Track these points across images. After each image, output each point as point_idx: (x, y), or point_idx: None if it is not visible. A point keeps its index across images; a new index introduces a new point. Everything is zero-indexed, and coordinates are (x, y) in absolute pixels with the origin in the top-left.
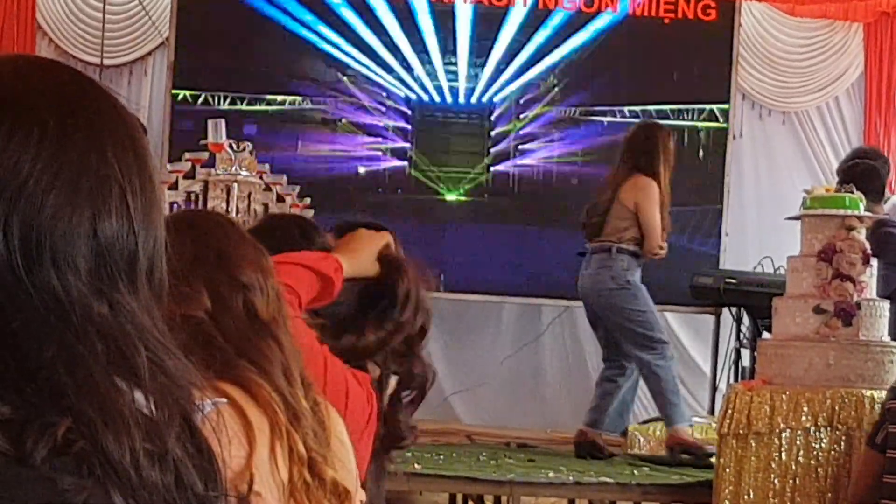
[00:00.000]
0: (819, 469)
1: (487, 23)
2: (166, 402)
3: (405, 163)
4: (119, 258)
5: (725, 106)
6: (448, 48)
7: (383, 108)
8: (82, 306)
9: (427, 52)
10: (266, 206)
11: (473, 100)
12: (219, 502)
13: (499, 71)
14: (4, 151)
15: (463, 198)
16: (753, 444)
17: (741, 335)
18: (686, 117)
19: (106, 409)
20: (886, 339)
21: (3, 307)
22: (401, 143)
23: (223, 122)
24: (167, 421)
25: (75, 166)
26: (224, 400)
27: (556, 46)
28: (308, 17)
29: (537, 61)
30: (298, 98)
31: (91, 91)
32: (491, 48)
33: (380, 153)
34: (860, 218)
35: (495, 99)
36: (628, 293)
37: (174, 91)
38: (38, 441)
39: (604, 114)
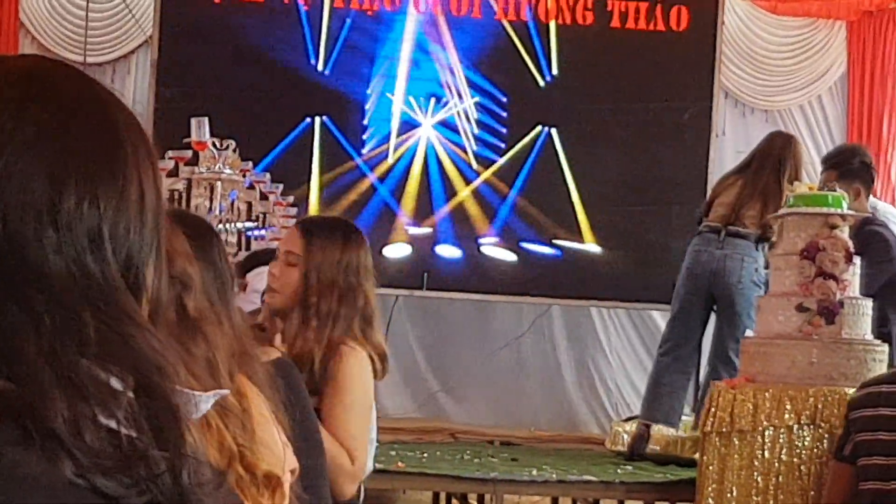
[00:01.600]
0: (802, 467)
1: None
2: (125, 371)
3: (392, 160)
4: (81, 231)
5: (709, 104)
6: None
7: (368, 105)
8: (35, 269)
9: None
10: (249, 204)
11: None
12: (180, 476)
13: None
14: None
15: (445, 195)
16: (736, 442)
17: None
18: (670, 115)
19: (41, 375)
20: (869, 337)
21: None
22: (389, 139)
23: (206, 120)
24: (120, 391)
25: (32, 132)
26: (226, 391)
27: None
28: (291, 14)
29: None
30: (284, 95)
31: (62, 70)
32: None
33: (364, 151)
34: (843, 216)
35: (469, 98)
36: (759, 292)
37: (158, 89)
38: None
39: (587, 112)
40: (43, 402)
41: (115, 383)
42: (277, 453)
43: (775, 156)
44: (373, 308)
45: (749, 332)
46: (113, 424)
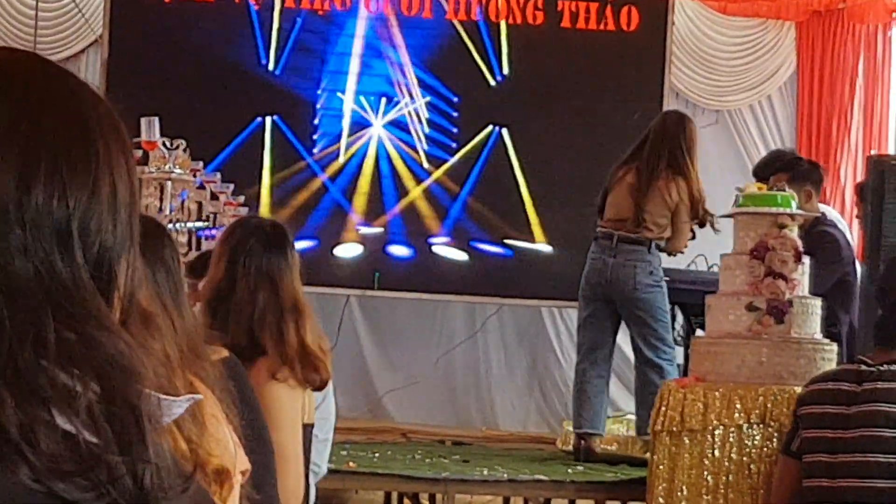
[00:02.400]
0: (752, 465)
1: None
2: (86, 375)
3: (343, 159)
4: (49, 229)
5: (658, 104)
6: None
7: (317, 105)
8: (3, 267)
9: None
10: (200, 203)
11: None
12: (142, 481)
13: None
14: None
15: (397, 195)
16: (687, 442)
17: (674, 333)
18: (619, 116)
19: (14, 380)
20: (819, 336)
21: None
22: (340, 137)
23: (157, 119)
24: (80, 393)
25: (3, 128)
26: (200, 396)
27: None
28: (242, 15)
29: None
30: (233, 94)
31: (33, 62)
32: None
33: (315, 150)
34: (792, 216)
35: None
36: (660, 292)
37: (108, 88)
38: None
39: (537, 111)
40: None
41: (76, 387)
42: (229, 452)
43: (671, 136)
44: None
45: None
46: (71, 428)
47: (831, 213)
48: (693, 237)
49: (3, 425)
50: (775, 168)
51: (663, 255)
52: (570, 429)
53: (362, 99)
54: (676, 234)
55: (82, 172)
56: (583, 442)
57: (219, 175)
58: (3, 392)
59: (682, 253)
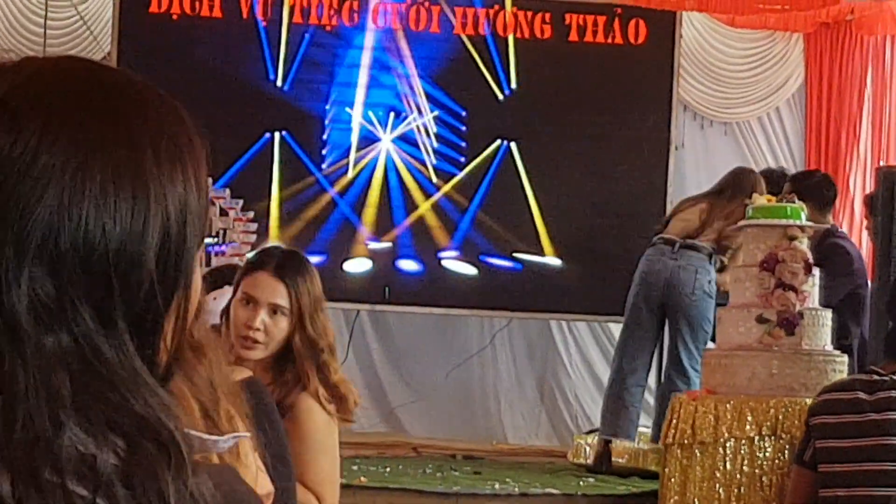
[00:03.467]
0: (763, 478)
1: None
2: (106, 439)
3: (351, 174)
4: (90, 297)
5: (667, 117)
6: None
7: (325, 121)
8: (31, 337)
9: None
10: (210, 220)
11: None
12: None
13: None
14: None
15: (406, 210)
16: (698, 454)
17: None
18: (628, 128)
19: (28, 450)
20: (829, 348)
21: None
22: (342, 155)
23: None
24: (99, 458)
25: (90, 155)
26: (246, 434)
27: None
28: (250, 30)
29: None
30: (241, 110)
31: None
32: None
33: (324, 165)
34: (802, 228)
35: (428, 112)
36: (712, 303)
37: None
38: None
39: (545, 125)
40: None
41: (95, 452)
42: (252, 476)
43: (748, 191)
44: (333, 336)
45: (710, 344)
46: (86, 494)
47: None
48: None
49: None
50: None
51: None
52: (581, 441)
53: (370, 113)
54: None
55: (136, 212)
56: (609, 446)
57: (228, 191)
58: (10, 462)
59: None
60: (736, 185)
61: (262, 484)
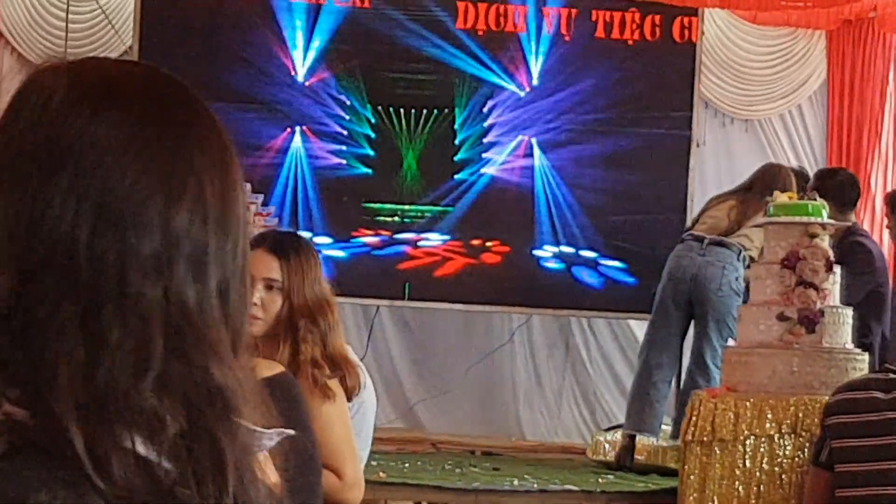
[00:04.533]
0: (783, 476)
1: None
2: (178, 405)
3: (369, 170)
4: (187, 252)
5: (688, 114)
6: (416, 54)
7: (347, 116)
8: (132, 287)
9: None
10: None
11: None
12: None
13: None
14: (89, 125)
15: (427, 206)
16: (718, 452)
17: None
18: (649, 125)
19: (101, 403)
20: (850, 346)
21: (45, 277)
22: (365, 150)
23: None
24: (169, 422)
25: (154, 150)
26: (291, 431)
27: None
28: (271, 25)
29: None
30: (262, 105)
31: (183, 92)
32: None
33: (344, 161)
34: (823, 225)
35: (459, 108)
36: (738, 300)
37: None
38: None
39: (568, 122)
40: (65, 430)
41: (166, 416)
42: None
43: (780, 186)
44: (337, 314)
45: (731, 341)
46: (152, 456)
47: None
48: None
49: (76, 451)
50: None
51: None
52: (601, 438)
53: (391, 109)
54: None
55: (224, 208)
56: (634, 442)
57: (248, 186)
58: (83, 414)
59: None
60: (765, 182)
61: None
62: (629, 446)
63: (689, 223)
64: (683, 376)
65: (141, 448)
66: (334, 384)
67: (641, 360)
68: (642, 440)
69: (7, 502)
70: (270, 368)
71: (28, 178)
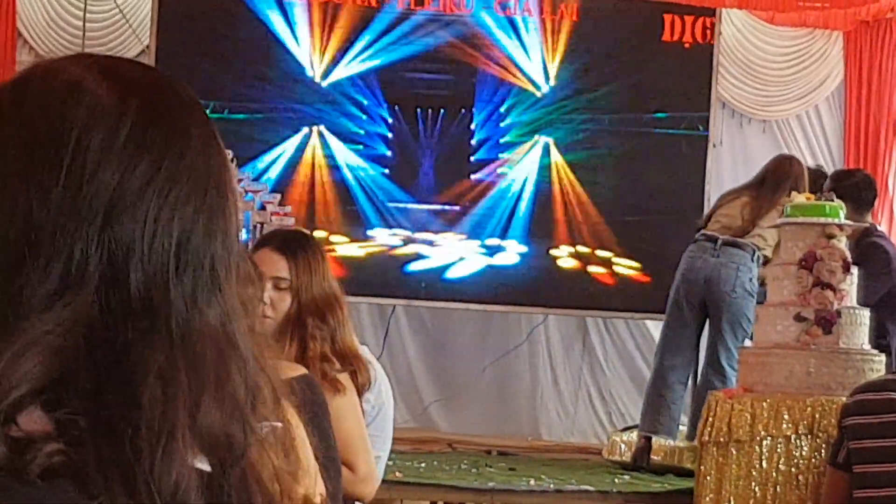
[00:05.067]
0: (800, 477)
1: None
2: (240, 428)
3: (386, 170)
4: (232, 265)
5: (706, 114)
6: (432, 54)
7: (364, 116)
8: (208, 320)
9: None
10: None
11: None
12: None
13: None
14: (165, 158)
15: (444, 206)
16: (734, 452)
17: None
18: (666, 125)
19: (176, 436)
20: (867, 347)
21: (133, 315)
22: (382, 151)
23: None
24: (234, 448)
25: (216, 174)
26: (279, 424)
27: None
28: (288, 25)
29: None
30: (279, 105)
31: (197, 104)
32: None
33: (360, 161)
34: (840, 226)
35: (476, 108)
36: (752, 301)
37: None
38: (35, 457)
39: (585, 122)
40: (160, 456)
41: (231, 427)
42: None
43: (793, 180)
44: (346, 311)
45: (748, 342)
46: (213, 470)
47: None
48: None
49: (157, 474)
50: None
51: None
52: (617, 439)
53: (407, 109)
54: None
55: (235, 207)
56: (650, 443)
57: (267, 185)
58: (157, 442)
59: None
60: (777, 176)
61: (320, 484)
62: (645, 447)
63: (701, 220)
64: (699, 377)
65: (201, 465)
66: (344, 378)
67: (656, 362)
68: (658, 441)
69: None
70: (293, 370)
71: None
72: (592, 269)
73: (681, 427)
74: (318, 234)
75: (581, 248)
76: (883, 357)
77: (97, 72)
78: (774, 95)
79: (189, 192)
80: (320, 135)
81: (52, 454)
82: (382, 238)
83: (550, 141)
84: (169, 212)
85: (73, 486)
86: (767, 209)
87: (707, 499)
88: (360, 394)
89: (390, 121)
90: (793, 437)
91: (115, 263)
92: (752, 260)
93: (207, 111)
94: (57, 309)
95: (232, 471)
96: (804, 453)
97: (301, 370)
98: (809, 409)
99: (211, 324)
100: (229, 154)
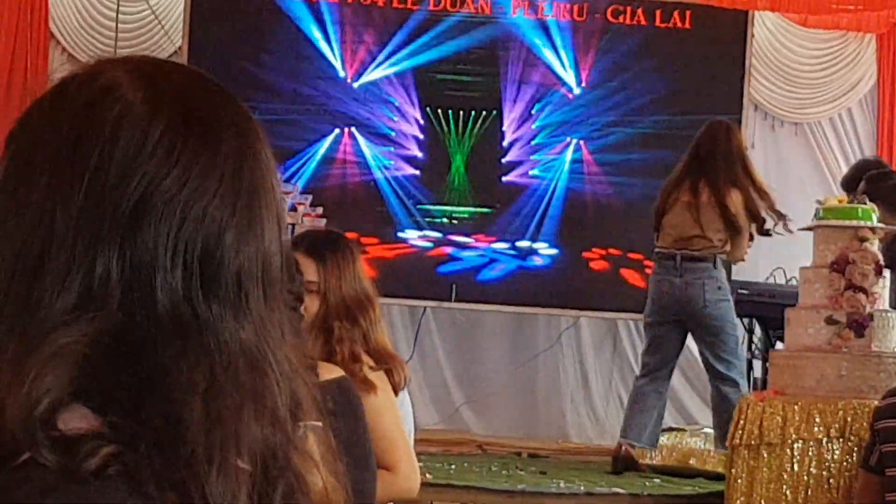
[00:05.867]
0: (831, 480)
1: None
2: (283, 440)
3: (417, 171)
4: (270, 276)
5: (738, 117)
6: (465, 56)
7: (396, 117)
8: (239, 336)
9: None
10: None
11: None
12: None
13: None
14: (191, 170)
15: (475, 208)
16: (765, 455)
17: (753, 346)
18: (698, 128)
19: (225, 450)
20: None
21: (163, 331)
22: (414, 152)
23: None
24: (282, 462)
25: (249, 186)
26: (318, 424)
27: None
28: (320, 26)
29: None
30: (311, 106)
31: (242, 105)
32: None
33: (392, 163)
34: (873, 229)
35: (506, 110)
36: (729, 305)
37: None
38: (89, 455)
39: (616, 124)
40: (211, 475)
41: (273, 435)
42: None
43: (723, 149)
44: (378, 311)
45: (779, 344)
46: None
47: None
48: (751, 239)
49: (211, 493)
50: (857, 183)
51: (741, 267)
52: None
53: (439, 110)
54: (734, 244)
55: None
56: (623, 450)
57: (298, 186)
58: (219, 461)
59: (742, 261)
60: (710, 150)
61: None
62: (618, 452)
63: (653, 223)
64: (711, 390)
65: (244, 465)
66: (378, 377)
67: (639, 376)
68: (688, 443)
69: None
70: (330, 372)
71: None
72: (623, 271)
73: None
74: (349, 235)
75: (612, 250)
76: None
77: (136, 77)
78: (807, 98)
79: (217, 207)
80: (352, 136)
81: (107, 456)
82: (413, 240)
83: (582, 142)
84: (193, 226)
85: (127, 487)
86: (712, 207)
87: (738, 502)
88: (395, 392)
89: (422, 122)
90: (824, 440)
91: (139, 278)
92: (715, 266)
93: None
94: (82, 323)
95: (278, 482)
96: (835, 457)
97: (338, 372)
98: (841, 412)
99: (243, 339)
100: None
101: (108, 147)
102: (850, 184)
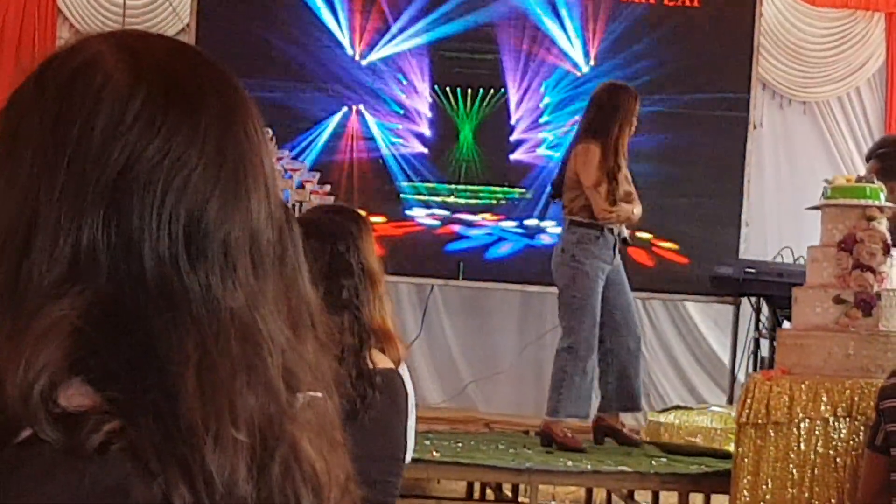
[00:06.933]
0: (838, 459)
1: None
2: (277, 411)
3: (426, 149)
4: (260, 249)
5: (746, 95)
6: (472, 33)
7: (404, 95)
8: (229, 306)
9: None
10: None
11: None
12: None
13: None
14: (172, 140)
15: (483, 186)
16: (772, 434)
17: (760, 325)
18: (706, 107)
19: (221, 421)
20: None
21: (153, 302)
22: (422, 129)
23: None
24: (279, 435)
25: (234, 157)
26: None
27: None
28: (328, 3)
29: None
30: (320, 83)
31: (231, 77)
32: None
33: (400, 140)
34: (881, 208)
35: (514, 87)
36: (567, 270)
37: None
38: (92, 431)
39: None
40: (209, 448)
41: (271, 406)
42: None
43: (595, 104)
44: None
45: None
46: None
47: None
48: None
49: (208, 465)
50: (871, 155)
51: (748, 246)
52: (654, 420)
53: (448, 88)
54: (590, 200)
55: (276, 189)
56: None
57: (306, 164)
58: (214, 434)
59: (609, 220)
60: (587, 106)
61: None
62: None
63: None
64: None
65: (241, 437)
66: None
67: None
68: (695, 421)
69: (106, 489)
70: (383, 362)
71: (103, 191)
72: (631, 250)
73: (719, 410)
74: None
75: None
76: None
77: (117, 50)
78: (815, 77)
79: (200, 177)
80: (359, 113)
81: (109, 432)
82: (421, 218)
83: None
84: (176, 196)
85: (130, 462)
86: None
87: (744, 480)
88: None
89: (430, 100)
90: (831, 419)
91: (126, 249)
92: (567, 229)
93: (246, 90)
94: (71, 295)
95: (275, 452)
96: (842, 436)
97: (388, 363)
98: (848, 391)
99: (234, 308)
100: (268, 133)
101: (89, 119)
102: (869, 155)
